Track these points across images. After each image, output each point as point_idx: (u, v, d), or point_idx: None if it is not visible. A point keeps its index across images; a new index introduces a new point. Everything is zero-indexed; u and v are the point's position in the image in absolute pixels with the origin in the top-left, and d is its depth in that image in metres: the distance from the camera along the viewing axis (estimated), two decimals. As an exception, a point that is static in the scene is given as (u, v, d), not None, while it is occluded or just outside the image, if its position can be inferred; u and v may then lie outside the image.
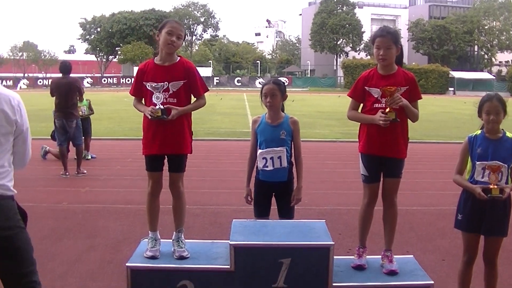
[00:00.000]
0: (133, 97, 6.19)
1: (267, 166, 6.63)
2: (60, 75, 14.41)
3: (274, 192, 6.78)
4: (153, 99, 5.86)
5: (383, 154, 5.98)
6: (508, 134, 5.78)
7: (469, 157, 5.84)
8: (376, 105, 5.93)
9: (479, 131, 5.86)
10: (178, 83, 5.94)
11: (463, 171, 5.92)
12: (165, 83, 5.88)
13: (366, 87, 6.01)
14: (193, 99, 6.19)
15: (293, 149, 6.77)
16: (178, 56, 6.08)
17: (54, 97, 14.09)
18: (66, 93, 13.92)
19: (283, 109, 6.83)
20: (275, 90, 6.59)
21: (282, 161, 6.62)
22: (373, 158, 6.04)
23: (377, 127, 5.86)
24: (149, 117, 5.80)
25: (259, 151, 6.67)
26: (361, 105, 6.16)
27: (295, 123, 6.75)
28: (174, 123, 5.91)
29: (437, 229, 9.52)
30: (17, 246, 4.38)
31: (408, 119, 6.13)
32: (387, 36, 5.87)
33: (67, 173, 14.10)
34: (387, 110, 5.79)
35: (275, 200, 6.85)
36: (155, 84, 5.84)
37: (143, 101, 6.13)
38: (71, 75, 14.47)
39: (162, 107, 5.81)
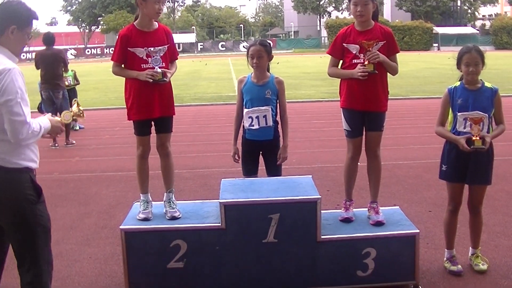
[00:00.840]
0: (113, 64, 6.18)
1: (253, 125, 6.69)
2: (43, 47, 14.40)
3: (261, 151, 6.86)
4: (150, 62, 5.93)
5: (364, 108, 6.07)
6: (487, 84, 5.89)
7: (450, 109, 5.95)
8: (355, 61, 6.03)
9: (459, 83, 5.96)
10: (164, 47, 6.05)
11: (444, 122, 6.03)
12: (164, 46, 6.00)
13: (344, 44, 6.10)
14: None
15: (278, 108, 6.84)
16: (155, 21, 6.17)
17: (40, 69, 14.09)
18: (52, 64, 13.92)
19: (268, 69, 6.89)
20: (262, 52, 6.64)
21: (268, 120, 6.68)
22: (354, 112, 6.14)
23: (357, 81, 5.96)
24: (150, 80, 5.85)
25: (245, 110, 6.74)
26: (341, 62, 6.26)
27: (280, 83, 6.82)
28: (166, 86, 6.05)
29: (423, 182, 9.70)
30: (21, 221, 4.35)
31: (388, 74, 6.19)
32: None
33: (56, 144, 14.18)
34: (366, 63, 5.90)
35: (263, 159, 6.94)
36: (154, 48, 5.93)
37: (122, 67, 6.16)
38: (55, 46, 14.50)
39: (160, 70, 5.91)
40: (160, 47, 5.96)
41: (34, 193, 4.37)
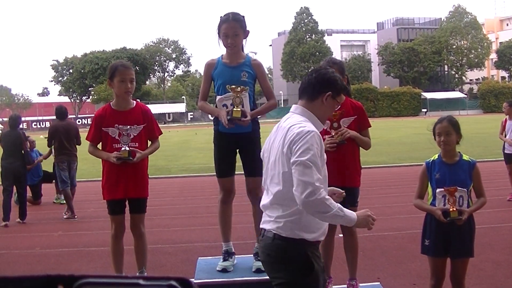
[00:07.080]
0: (88, 144, 6.24)
1: (228, 115, 5.82)
2: (54, 118, 15.03)
3: (237, 147, 6.08)
4: (121, 141, 5.97)
5: (334, 183, 6.00)
6: (465, 157, 5.85)
7: (429, 183, 5.91)
8: (325, 136, 6.00)
9: (437, 156, 5.94)
10: (138, 127, 6.06)
11: (423, 195, 6.00)
12: (137, 126, 6.00)
13: None
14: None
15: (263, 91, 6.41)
16: (134, 100, 6.18)
17: (54, 142, 14.47)
18: (69, 136, 14.36)
19: (243, 48, 6.21)
20: (237, 28, 5.88)
21: (245, 107, 5.93)
22: None
23: (327, 155, 5.90)
24: (116, 161, 5.86)
25: (218, 97, 6.00)
26: None
27: (259, 66, 6.26)
28: (137, 167, 6.03)
29: (408, 252, 9.56)
30: None
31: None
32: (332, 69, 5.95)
33: (75, 216, 14.19)
34: (333, 134, 5.87)
35: (240, 156, 6.18)
36: (122, 126, 5.93)
37: (99, 147, 6.23)
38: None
39: (128, 148, 5.89)
40: (130, 126, 5.96)
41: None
